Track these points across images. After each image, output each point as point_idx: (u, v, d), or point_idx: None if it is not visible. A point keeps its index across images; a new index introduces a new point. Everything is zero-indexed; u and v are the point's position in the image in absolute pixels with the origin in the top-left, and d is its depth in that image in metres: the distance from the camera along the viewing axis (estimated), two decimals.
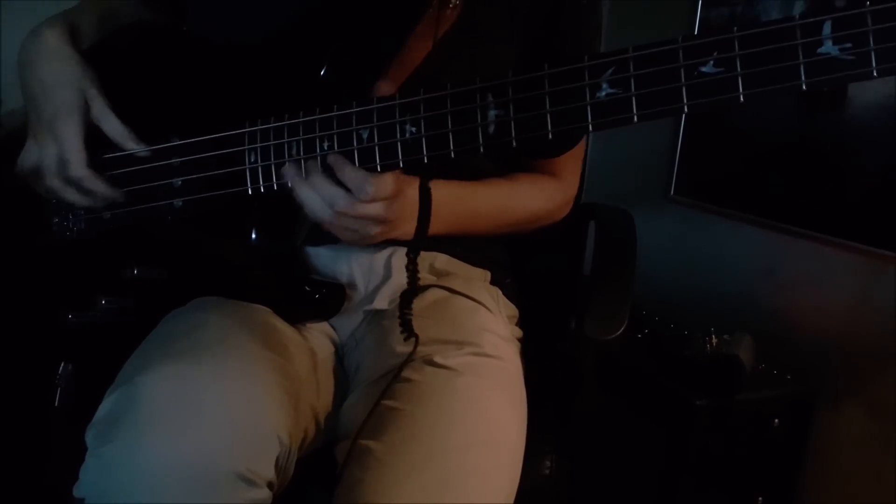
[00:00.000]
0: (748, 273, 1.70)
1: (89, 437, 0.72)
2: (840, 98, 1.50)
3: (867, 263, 1.46)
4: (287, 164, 0.82)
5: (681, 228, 1.87)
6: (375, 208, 0.80)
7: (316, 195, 0.80)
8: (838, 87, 1.49)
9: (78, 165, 0.87)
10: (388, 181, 0.79)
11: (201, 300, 0.86)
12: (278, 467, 0.73)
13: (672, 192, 1.88)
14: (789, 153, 1.61)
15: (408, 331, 0.85)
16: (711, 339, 1.52)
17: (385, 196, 0.79)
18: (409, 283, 0.87)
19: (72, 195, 0.89)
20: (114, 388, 0.73)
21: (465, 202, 0.96)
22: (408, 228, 0.87)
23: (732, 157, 1.76)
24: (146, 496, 0.67)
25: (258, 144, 0.83)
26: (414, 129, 0.75)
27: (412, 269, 0.88)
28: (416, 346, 0.84)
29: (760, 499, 1.52)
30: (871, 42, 0.59)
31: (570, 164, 1.07)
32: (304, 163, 0.81)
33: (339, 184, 0.79)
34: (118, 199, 0.90)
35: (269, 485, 0.72)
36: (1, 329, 0.93)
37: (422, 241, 0.87)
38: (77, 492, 0.72)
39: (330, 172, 0.79)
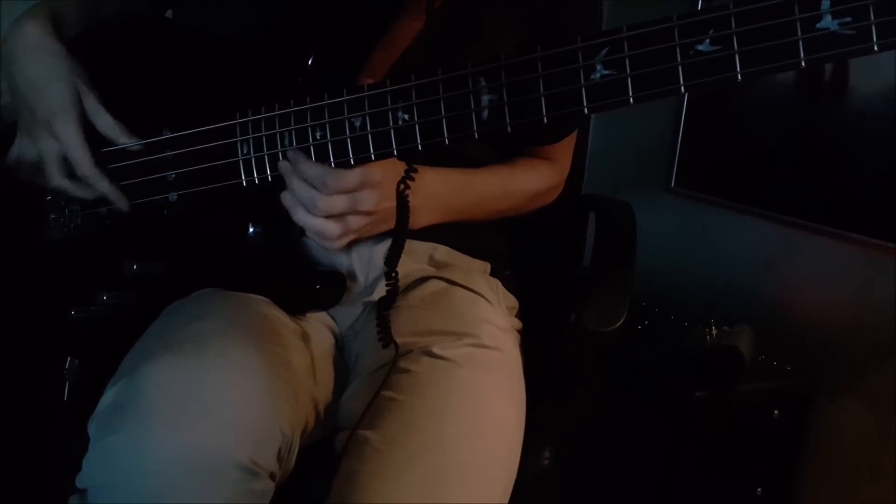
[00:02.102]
0: (748, 264, 1.70)
1: (92, 428, 0.72)
2: (841, 89, 1.49)
3: (868, 255, 1.46)
4: (279, 163, 0.82)
5: (681, 220, 1.87)
6: (341, 201, 0.80)
7: (297, 202, 0.81)
8: (839, 78, 1.48)
9: (85, 164, 0.86)
10: (354, 173, 0.79)
11: (201, 292, 0.86)
12: (280, 458, 0.73)
13: (672, 183, 1.87)
14: (790, 144, 1.61)
15: (386, 338, 0.85)
16: (711, 330, 1.52)
17: (351, 188, 0.79)
18: (387, 292, 0.87)
19: (80, 191, 0.89)
20: (115, 379, 0.73)
21: (471, 189, 0.96)
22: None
23: (733, 149, 1.75)
24: (149, 487, 0.67)
25: (250, 136, 0.83)
26: (407, 117, 0.74)
27: (393, 278, 0.87)
28: (396, 353, 0.84)
29: (760, 490, 1.52)
30: (872, 16, 0.58)
31: (565, 147, 1.07)
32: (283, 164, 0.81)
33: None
34: (120, 198, 0.89)
35: (271, 476, 0.72)
36: (3, 325, 0.93)
37: (402, 242, 0.86)
38: (80, 482, 0.72)
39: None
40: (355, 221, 0.83)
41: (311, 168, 0.79)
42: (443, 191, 0.92)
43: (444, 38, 0.90)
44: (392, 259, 0.85)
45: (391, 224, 0.87)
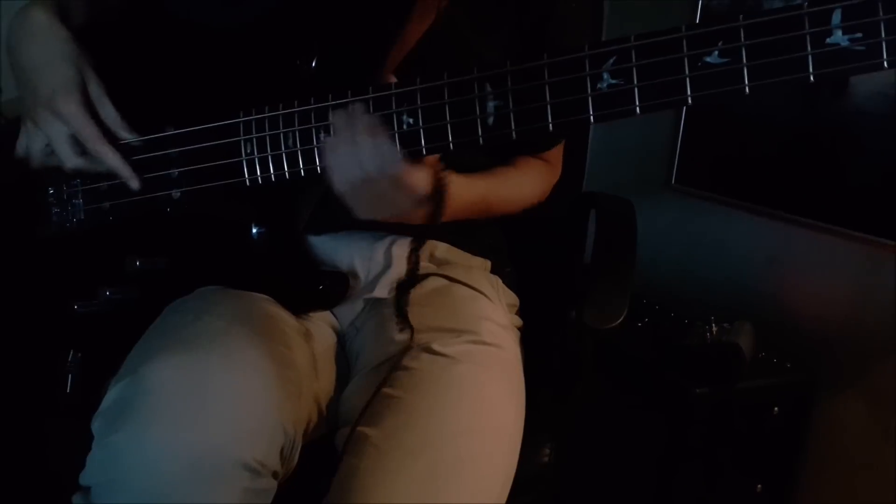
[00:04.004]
0: (749, 261, 1.70)
1: (95, 426, 0.72)
2: (842, 86, 1.49)
3: (868, 252, 1.46)
4: (334, 112, 0.77)
5: (681, 217, 1.87)
6: (422, 178, 0.77)
7: (351, 148, 0.76)
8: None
9: (93, 139, 0.84)
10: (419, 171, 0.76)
11: (204, 290, 0.86)
12: (283, 457, 0.74)
13: (673, 180, 1.87)
14: (791, 141, 1.61)
15: (403, 321, 0.84)
16: (712, 327, 1.52)
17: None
18: (407, 273, 0.86)
19: (96, 169, 0.87)
20: (119, 377, 0.73)
21: (487, 197, 0.96)
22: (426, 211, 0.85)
23: (734, 146, 1.75)
24: (152, 485, 0.67)
25: (254, 135, 0.82)
26: (411, 121, 0.74)
27: (415, 258, 0.87)
28: (412, 336, 0.83)
29: (760, 487, 1.53)
30: (883, 32, 0.57)
31: (559, 148, 1.08)
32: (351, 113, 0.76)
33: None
34: (131, 175, 0.87)
35: (274, 474, 0.73)
36: (5, 319, 0.93)
37: (430, 229, 0.85)
38: (83, 480, 0.72)
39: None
40: (407, 201, 0.79)
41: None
42: (467, 198, 0.90)
43: (436, 41, 0.90)
44: (420, 237, 0.84)
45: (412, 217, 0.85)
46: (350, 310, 0.96)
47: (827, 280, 1.55)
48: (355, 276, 0.94)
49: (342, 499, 0.73)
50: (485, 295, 0.94)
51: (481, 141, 0.72)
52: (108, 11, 0.94)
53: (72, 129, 0.85)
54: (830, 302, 1.53)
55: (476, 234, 1.01)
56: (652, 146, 1.91)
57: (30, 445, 0.95)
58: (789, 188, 1.60)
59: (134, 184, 0.87)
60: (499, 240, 1.06)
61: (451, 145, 0.73)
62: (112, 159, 0.86)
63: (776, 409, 1.49)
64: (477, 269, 1.00)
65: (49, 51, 0.85)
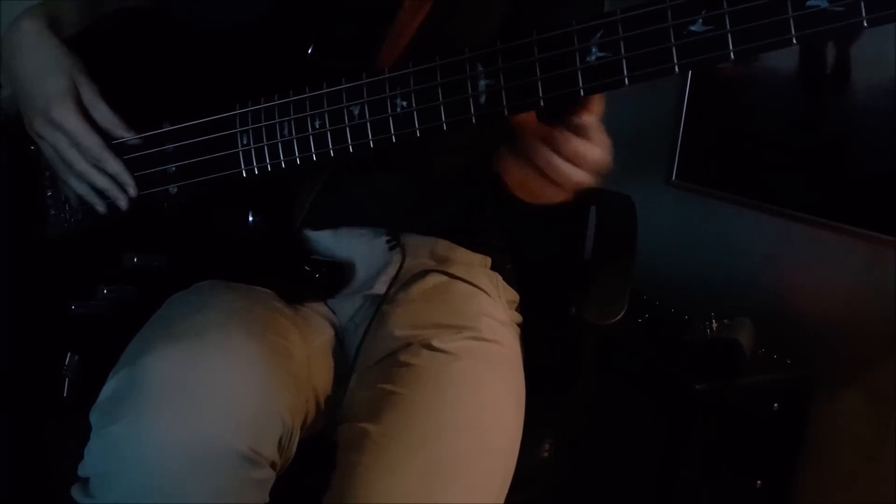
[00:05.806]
0: (749, 257, 1.70)
1: (93, 417, 0.72)
2: (843, 82, 1.49)
3: (868, 248, 1.46)
4: None
5: (682, 213, 1.87)
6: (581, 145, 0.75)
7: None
8: (841, 71, 1.48)
9: (94, 146, 0.86)
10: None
11: (202, 283, 0.86)
12: (281, 447, 0.74)
13: (674, 176, 1.87)
14: (791, 138, 1.61)
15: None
16: (711, 323, 1.52)
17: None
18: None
19: (101, 180, 0.88)
20: (117, 369, 0.73)
21: None
22: None
23: (734, 142, 1.75)
24: (151, 475, 0.68)
25: (250, 126, 0.83)
26: (405, 104, 0.75)
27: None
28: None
29: (759, 482, 1.53)
30: None
31: None
32: None
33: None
34: (129, 181, 0.88)
35: (272, 465, 0.73)
36: (4, 321, 0.93)
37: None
38: (82, 471, 0.72)
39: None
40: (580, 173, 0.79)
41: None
42: None
43: (439, 25, 0.90)
44: None
45: None
46: (349, 305, 0.96)
47: (827, 276, 1.55)
48: (354, 271, 0.94)
49: (341, 495, 0.73)
50: (484, 291, 0.94)
51: (474, 119, 0.73)
52: (104, 17, 0.95)
53: (71, 139, 0.86)
54: (830, 298, 1.53)
55: (476, 230, 1.01)
56: (652, 142, 1.91)
57: (28, 440, 0.95)
58: (789, 184, 1.60)
59: (131, 192, 0.89)
60: (499, 237, 1.06)
61: (444, 126, 0.74)
62: (113, 166, 0.87)
63: (776, 405, 1.49)
64: (477, 265, 1.00)
65: (39, 61, 0.86)
